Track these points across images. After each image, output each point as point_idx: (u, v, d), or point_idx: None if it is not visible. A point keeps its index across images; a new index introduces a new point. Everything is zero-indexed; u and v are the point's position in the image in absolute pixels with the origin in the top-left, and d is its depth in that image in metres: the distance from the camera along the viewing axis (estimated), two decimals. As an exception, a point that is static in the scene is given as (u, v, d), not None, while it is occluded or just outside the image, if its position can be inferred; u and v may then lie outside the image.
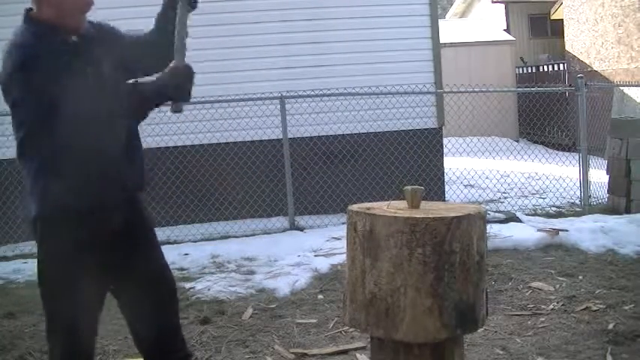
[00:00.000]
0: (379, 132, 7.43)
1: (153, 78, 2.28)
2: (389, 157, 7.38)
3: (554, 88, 10.55)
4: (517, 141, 13.89)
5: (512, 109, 14.12)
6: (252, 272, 5.14)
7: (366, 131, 7.40)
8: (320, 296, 4.49)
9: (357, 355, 3.40)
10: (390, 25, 7.41)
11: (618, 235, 5.48)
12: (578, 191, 7.41)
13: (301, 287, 4.70)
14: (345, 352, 3.46)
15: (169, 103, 2.34)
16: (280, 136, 6.88)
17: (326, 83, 7.24)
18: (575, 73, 11.06)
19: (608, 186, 7.24)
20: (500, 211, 6.92)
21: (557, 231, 5.55)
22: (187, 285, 4.73)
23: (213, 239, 6.41)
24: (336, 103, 7.31)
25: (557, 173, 8.83)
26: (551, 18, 16.37)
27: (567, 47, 14.85)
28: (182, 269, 5.27)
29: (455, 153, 8.27)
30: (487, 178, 8.41)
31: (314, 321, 3.98)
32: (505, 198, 8.26)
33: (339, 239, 5.70)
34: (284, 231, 6.64)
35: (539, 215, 7.00)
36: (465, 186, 8.72)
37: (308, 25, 7.27)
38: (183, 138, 7.05)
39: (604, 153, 7.84)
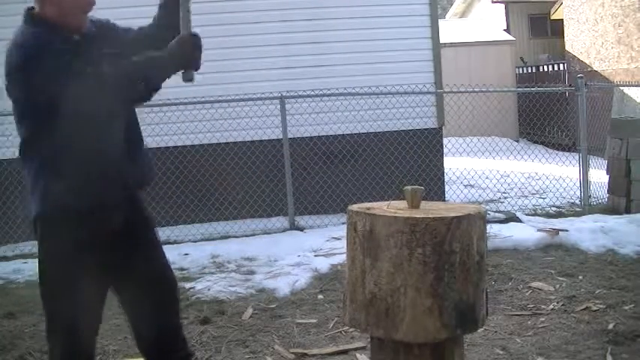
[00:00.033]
0: (379, 132, 7.43)
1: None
2: (389, 157, 7.38)
3: (554, 88, 10.56)
4: (517, 141, 13.89)
5: (512, 109, 14.12)
6: (252, 272, 5.14)
7: (366, 131, 7.40)
8: (320, 296, 4.49)
9: (357, 355, 3.40)
10: (390, 25, 7.41)
11: (618, 235, 5.47)
12: (578, 191, 7.41)
13: (301, 287, 4.70)
14: (345, 352, 3.46)
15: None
16: (280, 136, 6.88)
17: (326, 83, 7.24)
18: (575, 73, 11.07)
19: (608, 186, 7.24)
20: (500, 211, 6.93)
21: (557, 231, 5.55)
22: (187, 285, 4.73)
23: (213, 239, 6.41)
24: (336, 103, 7.31)
25: (557, 173, 8.83)
26: (551, 18, 16.37)
27: (567, 47, 14.85)
28: (182, 269, 5.26)
29: (455, 153, 8.27)
30: (487, 178, 8.41)
31: (314, 321, 3.98)
32: (505, 198, 8.26)
33: (339, 239, 5.69)
34: (284, 231, 6.64)
35: (539, 215, 7.00)
36: (465, 186, 8.72)
37: (308, 25, 7.27)
38: (183, 138, 7.06)
39: (604, 153, 7.84)
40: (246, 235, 6.51)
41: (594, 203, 7.32)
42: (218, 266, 5.41)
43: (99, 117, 2.15)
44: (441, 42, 7.65)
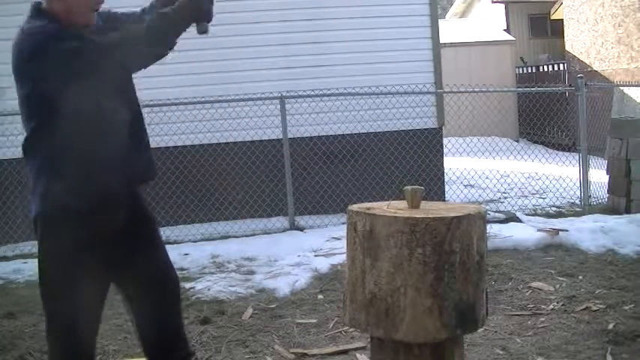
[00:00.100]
0: (379, 132, 7.43)
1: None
2: (389, 157, 7.38)
3: (554, 88, 10.55)
4: (517, 141, 13.89)
5: (512, 109, 14.12)
6: (252, 272, 5.14)
7: (366, 131, 7.40)
8: (320, 296, 4.49)
9: (357, 355, 3.40)
10: (390, 25, 7.41)
11: (618, 235, 5.47)
12: (578, 191, 7.41)
13: (301, 287, 4.70)
14: (345, 352, 3.46)
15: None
16: (280, 136, 6.88)
17: (326, 83, 7.24)
18: (575, 73, 11.07)
19: (608, 186, 7.24)
20: (500, 211, 6.93)
21: (557, 231, 5.55)
22: (187, 285, 4.73)
23: (213, 239, 6.41)
24: (336, 103, 7.31)
25: (557, 173, 8.83)
26: (551, 18, 16.37)
27: (567, 47, 14.85)
28: (182, 269, 5.26)
29: (455, 153, 8.27)
30: (487, 178, 8.41)
31: (314, 321, 3.98)
32: (505, 198, 8.26)
33: (339, 239, 5.69)
34: (284, 231, 6.64)
35: (539, 215, 6.99)
36: (465, 186, 8.72)
37: (308, 25, 7.27)
38: (183, 138, 7.06)
39: (604, 153, 7.84)
40: (246, 235, 6.51)
41: (594, 203, 7.32)
42: (218, 266, 5.41)
43: (104, 110, 2.15)
44: (441, 42, 7.65)
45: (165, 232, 6.19)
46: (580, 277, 4.58)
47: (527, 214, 6.89)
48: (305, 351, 3.49)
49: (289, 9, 7.25)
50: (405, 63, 7.43)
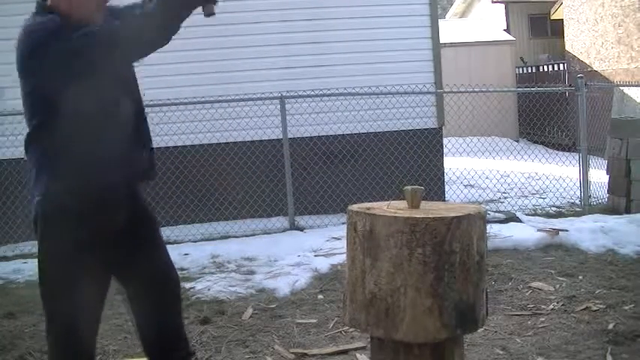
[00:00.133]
0: (379, 132, 7.43)
1: None
2: (389, 157, 7.38)
3: (554, 88, 10.56)
4: (517, 141, 13.89)
5: (512, 109, 14.12)
6: (252, 272, 5.14)
7: (366, 131, 7.40)
8: (320, 296, 4.49)
9: (357, 355, 3.40)
10: (390, 25, 7.41)
11: (618, 235, 5.47)
12: (578, 191, 7.41)
13: (301, 287, 4.70)
14: (345, 352, 3.46)
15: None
16: (280, 136, 6.88)
17: (326, 83, 7.24)
18: (575, 73, 11.07)
19: (608, 186, 7.24)
20: (500, 211, 6.93)
21: (557, 231, 5.55)
22: (187, 285, 4.73)
23: (213, 239, 6.41)
24: (336, 103, 7.31)
25: (557, 173, 8.83)
26: (551, 18, 16.38)
27: (567, 47, 14.85)
28: (182, 269, 5.26)
29: (455, 153, 8.27)
30: (487, 178, 8.41)
31: (314, 321, 3.98)
32: (505, 198, 8.26)
33: (339, 239, 5.69)
34: (284, 231, 6.64)
35: (539, 215, 6.99)
36: (465, 186, 8.72)
37: (308, 25, 7.27)
38: (183, 138, 7.06)
39: (604, 153, 7.84)
40: (246, 235, 6.51)
41: (594, 203, 7.32)
42: (218, 266, 5.41)
43: (107, 107, 2.14)
44: (441, 42, 7.65)
45: (165, 232, 6.17)
46: (580, 277, 4.58)
47: (527, 214, 6.89)
48: (305, 351, 3.49)
49: (289, 9, 7.25)
50: (405, 63, 7.43)
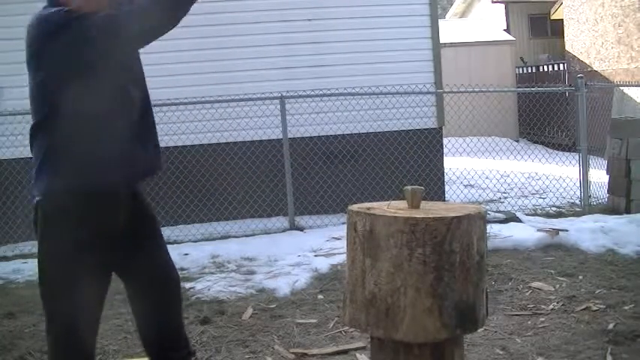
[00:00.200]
0: (379, 132, 7.43)
1: None
2: (389, 157, 7.38)
3: (554, 88, 10.55)
4: (517, 141, 13.89)
5: (512, 109, 14.13)
6: (252, 272, 5.13)
7: (366, 131, 7.40)
8: (320, 296, 4.49)
9: (357, 355, 3.40)
10: (390, 25, 7.41)
11: (618, 235, 5.47)
12: (578, 191, 7.41)
13: (301, 287, 4.70)
14: (345, 352, 3.46)
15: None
16: (280, 136, 6.88)
17: (326, 83, 7.24)
18: (575, 73, 11.07)
19: (608, 186, 7.24)
20: (500, 211, 6.92)
21: (557, 231, 5.55)
22: (187, 285, 4.73)
23: (213, 239, 6.41)
24: (336, 103, 7.32)
25: (557, 173, 8.83)
26: (551, 18, 16.38)
27: (567, 47, 14.85)
28: (182, 269, 5.26)
29: (455, 153, 8.27)
30: (487, 178, 8.42)
31: (314, 321, 3.98)
32: (505, 198, 8.26)
33: (339, 239, 5.70)
34: (284, 231, 6.64)
35: (539, 215, 6.99)
36: (465, 186, 8.73)
37: (308, 25, 7.27)
38: (183, 138, 7.06)
39: (604, 153, 7.84)
40: (246, 235, 6.51)
41: (594, 203, 7.32)
42: (218, 266, 5.41)
43: (116, 98, 2.14)
44: (441, 42, 7.65)
45: (165, 232, 6.13)
46: (580, 277, 4.58)
47: (527, 214, 6.89)
48: (305, 351, 3.49)
49: (289, 9, 7.25)
50: (405, 63, 7.43)
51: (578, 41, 14.41)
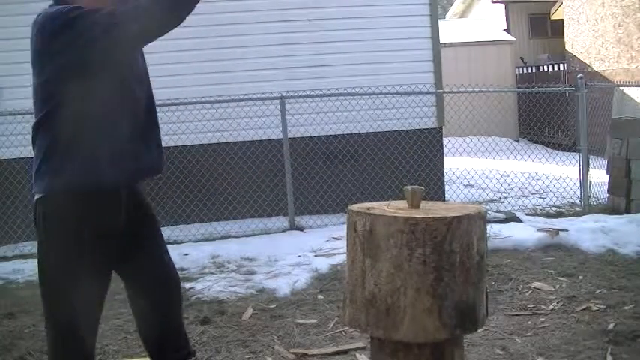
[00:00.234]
0: (379, 132, 7.43)
1: None
2: (389, 157, 7.38)
3: (554, 88, 10.54)
4: (517, 141, 13.89)
5: (512, 109, 14.13)
6: (252, 272, 5.14)
7: (366, 131, 7.40)
8: (320, 296, 4.49)
9: (357, 355, 3.40)
10: (390, 25, 7.41)
11: (618, 235, 5.47)
12: (578, 191, 7.41)
13: (301, 287, 4.70)
14: (345, 352, 3.46)
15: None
16: (280, 136, 6.88)
17: (326, 83, 7.25)
18: (575, 73, 11.07)
19: (608, 186, 7.24)
20: (500, 211, 6.92)
21: (557, 231, 5.55)
22: (187, 285, 4.73)
23: (213, 239, 6.42)
24: (336, 103, 7.32)
25: (557, 173, 8.83)
26: (551, 18, 16.38)
27: (567, 47, 14.85)
28: (182, 269, 5.26)
29: (455, 153, 8.27)
30: (487, 178, 8.42)
31: (314, 321, 3.98)
32: (505, 198, 8.27)
33: (339, 239, 5.70)
34: (284, 231, 6.64)
35: (539, 215, 6.99)
36: (465, 186, 8.73)
37: (308, 25, 7.28)
38: (183, 138, 7.06)
39: (604, 153, 7.84)
40: (246, 235, 6.52)
41: (594, 203, 7.32)
42: (218, 266, 5.41)
43: (122, 96, 2.13)
44: (441, 42, 7.65)
45: (165, 232, 6.14)
46: (580, 277, 4.58)
47: (527, 214, 6.90)
48: (305, 351, 3.49)
49: (289, 9, 7.25)
50: (405, 63, 7.44)
51: (578, 41, 14.41)
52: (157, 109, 2.42)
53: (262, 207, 7.11)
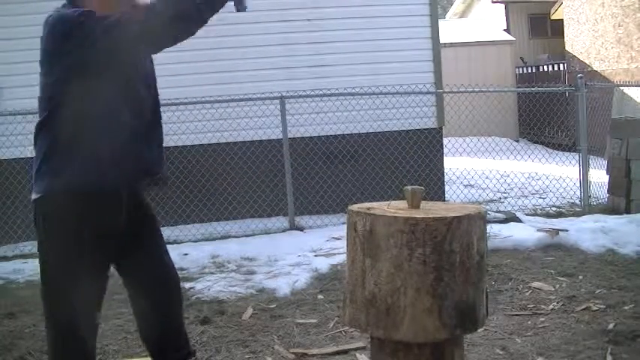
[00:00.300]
0: (379, 132, 7.43)
1: None
2: (389, 157, 7.38)
3: (554, 88, 10.54)
4: (517, 141, 13.89)
5: (512, 109, 14.13)
6: (252, 272, 5.13)
7: (366, 131, 7.40)
8: (320, 296, 4.49)
9: (357, 355, 3.40)
10: (390, 25, 7.41)
11: (618, 235, 5.47)
12: (578, 191, 7.41)
13: (301, 287, 4.69)
14: (345, 352, 3.46)
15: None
16: (280, 136, 6.88)
17: (326, 83, 7.25)
18: (575, 73, 11.06)
19: (608, 186, 7.24)
20: (500, 211, 6.92)
21: (557, 231, 5.55)
22: (187, 285, 4.73)
23: (214, 239, 6.41)
24: (336, 103, 7.32)
25: (557, 173, 8.83)
26: (551, 18, 16.38)
27: (567, 47, 14.85)
28: (182, 269, 5.26)
29: (455, 153, 8.27)
30: (487, 178, 8.42)
31: (314, 321, 3.98)
32: (505, 198, 8.27)
33: (339, 239, 5.70)
34: (284, 231, 6.64)
35: (539, 215, 6.99)
36: (465, 186, 8.73)
37: (308, 25, 7.28)
38: (183, 138, 7.06)
39: (604, 153, 7.84)
40: (246, 235, 6.51)
41: (594, 203, 7.32)
42: (218, 266, 5.41)
43: (129, 97, 2.13)
44: (441, 42, 7.65)
45: (165, 232, 6.14)
46: (580, 277, 4.58)
47: (527, 214, 6.89)
48: (305, 351, 3.49)
49: (289, 9, 7.25)
50: (405, 63, 7.44)
51: (578, 41, 14.41)
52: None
53: (262, 207, 7.11)
